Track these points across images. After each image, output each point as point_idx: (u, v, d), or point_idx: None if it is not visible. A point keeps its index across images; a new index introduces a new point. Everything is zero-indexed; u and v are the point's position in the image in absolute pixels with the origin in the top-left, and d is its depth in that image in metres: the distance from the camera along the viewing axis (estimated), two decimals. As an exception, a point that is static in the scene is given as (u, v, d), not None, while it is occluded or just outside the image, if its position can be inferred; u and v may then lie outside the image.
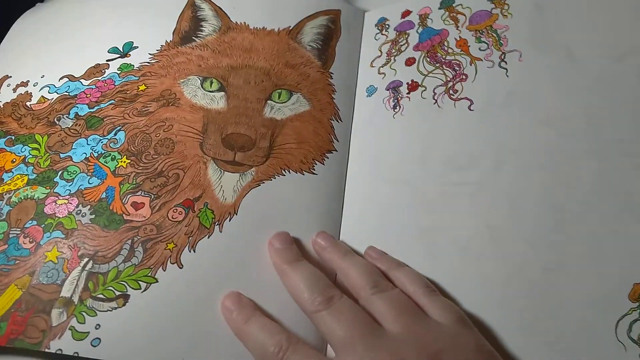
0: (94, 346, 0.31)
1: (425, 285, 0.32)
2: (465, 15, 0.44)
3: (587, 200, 0.33)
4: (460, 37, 0.43)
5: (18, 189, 0.38)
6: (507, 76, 0.39)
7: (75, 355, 0.31)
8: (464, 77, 0.41)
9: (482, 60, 0.41)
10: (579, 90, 0.37)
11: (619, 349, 0.29)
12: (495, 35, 0.42)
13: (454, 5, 0.45)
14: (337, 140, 0.41)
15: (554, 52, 0.39)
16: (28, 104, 0.44)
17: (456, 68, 0.42)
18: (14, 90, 0.45)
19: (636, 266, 0.30)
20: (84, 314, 0.32)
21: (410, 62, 0.44)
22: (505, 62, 0.40)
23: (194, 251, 0.34)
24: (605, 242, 0.31)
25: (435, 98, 0.41)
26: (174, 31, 0.46)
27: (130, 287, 0.33)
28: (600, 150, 0.34)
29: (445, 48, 0.43)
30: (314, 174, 0.39)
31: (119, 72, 0.44)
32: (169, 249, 0.34)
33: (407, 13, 0.47)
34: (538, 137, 0.36)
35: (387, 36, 0.46)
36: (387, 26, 0.47)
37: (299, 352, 0.29)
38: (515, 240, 0.33)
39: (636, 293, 0.30)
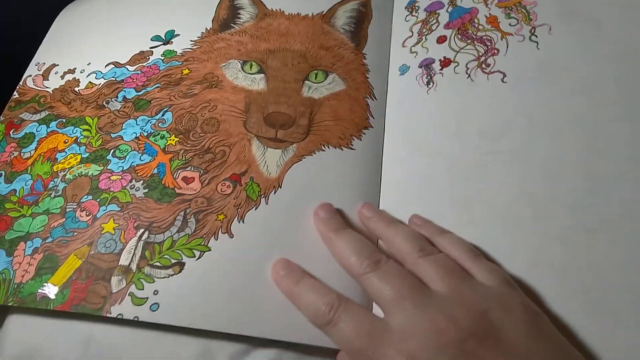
0: (153, 311, 0.34)
1: (470, 249, 0.33)
2: (494, -7, 0.45)
3: (620, 164, 0.34)
4: (490, 14, 0.44)
5: (72, 167, 0.41)
6: (538, 49, 0.40)
7: (135, 319, 0.34)
8: (495, 51, 0.42)
9: (512, 35, 0.42)
10: (609, 60, 0.37)
11: None
12: (524, 10, 0.43)
13: (482, -16, 0.46)
14: (373, 117, 0.42)
15: (583, 24, 0.40)
16: (76, 89, 0.46)
17: (487, 43, 0.43)
18: (62, 77, 0.48)
19: None
20: (142, 280, 0.35)
21: (441, 40, 0.45)
22: (536, 36, 0.41)
23: (243, 222, 0.36)
24: (638, 201, 0.32)
25: (468, 73, 0.42)
26: (213, 19, 0.48)
27: (185, 255, 0.35)
28: (632, 115, 0.35)
29: (476, 25, 0.44)
30: (352, 149, 0.40)
31: (162, 58, 0.46)
32: (220, 220, 0.36)
33: (436, -6, 0.48)
34: (570, 105, 0.37)
35: (417, 17, 0.48)
36: (416, 8, 0.48)
37: (350, 310, 0.30)
38: (553, 204, 0.34)
39: None
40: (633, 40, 0.37)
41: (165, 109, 0.42)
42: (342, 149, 0.40)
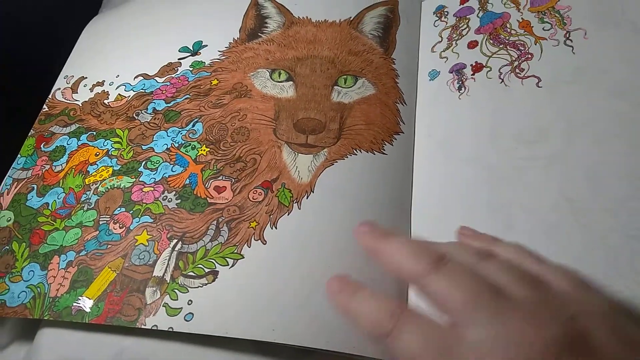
0: (187, 321, 0.33)
1: (531, 254, 0.29)
2: (525, -2, 0.45)
3: None
4: (522, 18, 0.44)
5: (104, 179, 0.41)
6: (574, 53, 0.40)
7: (170, 330, 0.33)
8: (529, 56, 0.41)
9: (546, 39, 0.41)
10: None
11: None
12: (558, 15, 0.42)
13: (513, -11, 0.45)
14: (403, 123, 0.42)
15: (618, 27, 0.39)
16: (106, 101, 0.46)
17: (520, 48, 0.42)
18: (91, 90, 0.48)
19: None
20: (176, 291, 0.34)
21: (472, 45, 0.44)
22: (571, 40, 0.41)
23: (276, 228, 0.36)
24: None
25: (502, 77, 0.41)
26: (240, 29, 0.48)
27: (218, 264, 0.35)
28: None
29: (508, 30, 0.44)
30: (384, 153, 0.40)
31: (191, 69, 0.46)
32: (252, 227, 0.36)
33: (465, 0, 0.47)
34: (610, 108, 0.36)
35: (446, 22, 0.47)
36: (445, 13, 0.48)
37: (414, 319, 0.25)
38: (595, 209, 0.33)
39: None
40: None
41: (195, 120, 0.42)
42: (374, 153, 0.40)
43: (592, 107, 0.37)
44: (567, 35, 0.41)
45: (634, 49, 0.38)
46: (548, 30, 0.42)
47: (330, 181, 0.38)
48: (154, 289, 0.35)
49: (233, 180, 0.38)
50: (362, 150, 0.40)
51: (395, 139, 0.41)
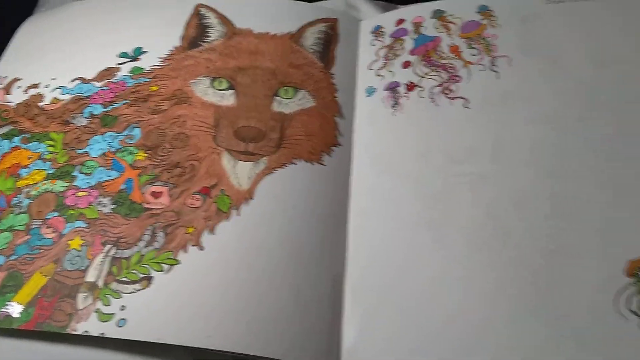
0: (120, 327, 0.33)
1: None
2: (456, 24, 0.47)
3: (583, 188, 0.36)
4: (453, 43, 0.46)
5: (37, 183, 0.40)
6: (499, 78, 0.43)
7: (102, 335, 0.33)
8: (458, 78, 0.44)
9: (474, 63, 0.44)
10: (567, 92, 0.40)
11: (621, 322, 0.31)
12: (485, 42, 0.45)
13: (445, 15, 0.48)
14: (342, 135, 0.43)
15: (541, 58, 0.42)
16: (40, 104, 0.45)
17: (450, 70, 0.45)
18: (25, 91, 0.47)
19: (628, 244, 0.33)
20: (109, 296, 0.34)
21: (406, 64, 0.47)
22: (496, 66, 0.43)
23: (214, 234, 0.36)
24: (600, 224, 0.34)
25: (433, 97, 0.44)
26: (181, 37, 0.48)
27: (153, 269, 0.35)
28: (593, 144, 0.37)
29: (439, 53, 0.46)
30: (322, 164, 0.41)
31: (130, 74, 0.46)
32: (189, 233, 0.36)
33: (401, 21, 0.50)
34: (534, 132, 0.39)
35: (383, 42, 0.49)
36: (382, 33, 0.50)
37: None
38: (517, 226, 0.36)
39: (631, 269, 0.32)
40: (588, 76, 0.40)
41: (133, 125, 0.42)
42: (313, 164, 0.41)
43: (516, 130, 0.40)
44: (493, 62, 0.44)
45: (555, 78, 0.41)
46: (475, 55, 0.45)
47: (269, 189, 0.39)
48: (86, 294, 0.34)
49: (171, 185, 0.38)
50: (301, 160, 0.41)
51: (334, 151, 0.42)
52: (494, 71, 0.43)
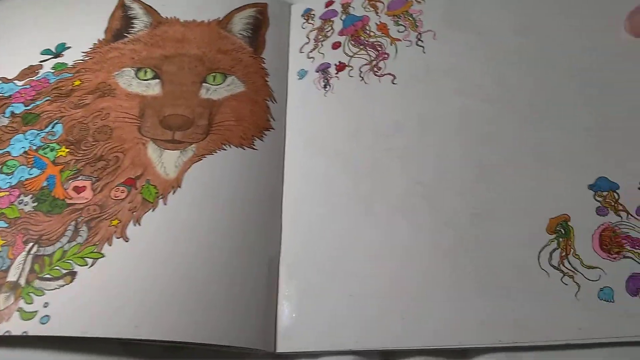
0: (43, 324, 0.32)
1: None
2: (383, 2, 0.48)
3: (505, 152, 0.37)
4: (380, 21, 0.47)
5: (-46, 185, 0.38)
6: (424, 53, 0.43)
7: (25, 334, 0.31)
8: (386, 56, 0.44)
9: (401, 40, 0.45)
10: (488, 62, 0.41)
11: (543, 276, 0.32)
12: (411, 18, 0.46)
13: (372, -6, 0.48)
14: (274, 119, 0.43)
15: (464, 30, 0.43)
16: (-42, 106, 0.43)
17: (378, 48, 0.45)
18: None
19: (549, 204, 0.34)
20: (31, 294, 0.33)
21: (336, 45, 0.46)
22: (422, 41, 0.44)
23: (139, 224, 0.35)
24: (521, 186, 0.35)
25: (362, 76, 0.44)
26: (105, 30, 0.47)
27: (76, 264, 0.34)
28: (513, 110, 0.38)
29: (368, 32, 0.46)
30: (254, 149, 0.40)
31: (53, 71, 0.44)
32: (114, 225, 0.35)
33: (330, 3, 0.50)
34: (456, 103, 0.40)
35: (313, 24, 0.49)
36: (312, 16, 0.49)
37: None
38: (443, 193, 0.36)
39: (552, 226, 0.33)
40: (509, 45, 0.41)
41: (55, 122, 0.41)
42: (245, 149, 0.40)
43: (441, 101, 0.41)
44: (419, 37, 0.44)
45: (476, 50, 0.42)
46: (402, 32, 0.45)
47: (198, 176, 0.38)
48: (8, 294, 0.33)
49: (94, 179, 0.37)
50: (231, 146, 0.40)
51: (266, 135, 0.41)
52: (420, 46, 0.44)
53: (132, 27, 0.46)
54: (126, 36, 0.46)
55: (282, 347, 0.34)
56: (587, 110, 0.37)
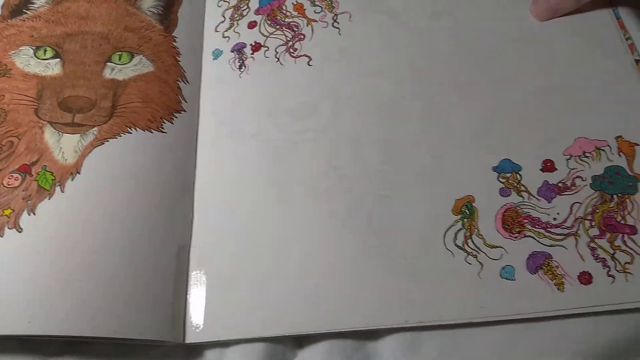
0: None
1: None
2: (300, -19, 0.47)
3: (413, 134, 0.37)
4: (297, 1, 0.46)
5: None
6: (340, 34, 0.43)
7: None
8: (302, 37, 0.44)
9: (317, 21, 0.44)
10: (402, 45, 0.41)
11: (448, 256, 0.33)
12: (328, -1, 0.45)
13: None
14: (186, 101, 0.41)
15: (379, 12, 0.43)
16: None
17: (294, 29, 0.44)
18: None
19: (456, 185, 0.35)
20: None
21: (252, 25, 0.45)
22: (338, 23, 0.44)
23: (34, 214, 0.33)
24: (429, 167, 0.36)
25: (278, 57, 0.43)
26: (2, 5, 0.43)
27: (-37, 258, 0.31)
28: (423, 92, 0.39)
29: (284, 12, 0.45)
30: (162, 132, 0.38)
31: (-59, 49, 0.41)
32: (6, 215, 0.33)
33: (247, -20, 0.48)
34: (369, 85, 0.40)
35: (229, 3, 0.47)
36: (228, -7, 0.48)
37: None
38: (355, 175, 0.36)
39: (457, 207, 0.34)
40: (422, 28, 0.41)
41: (-57, 104, 0.37)
42: (152, 132, 0.38)
43: (355, 83, 0.40)
44: (335, 18, 0.44)
45: (391, 33, 0.42)
46: (319, 13, 0.44)
47: (99, 161, 0.36)
48: None
49: (-15, 166, 0.35)
50: (137, 129, 0.38)
51: (176, 117, 0.40)
52: (336, 28, 0.43)
53: (32, 3, 0.43)
54: (25, 12, 0.43)
55: (191, 337, 0.33)
56: (492, 93, 0.37)
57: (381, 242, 0.33)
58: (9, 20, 0.42)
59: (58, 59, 0.39)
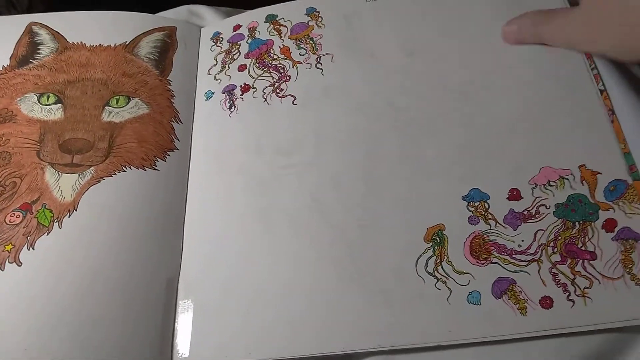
0: None
1: None
2: (287, 27, 0.50)
3: (390, 168, 0.39)
4: (283, 45, 0.49)
5: None
6: (323, 74, 0.46)
7: None
8: (287, 77, 0.46)
9: (302, 63, 0.47)
10: (380, 81, 0.44)
11: (420, 283, 0.34)
12: (312, 42, 0.48)
13: (277, 19, 0.50)
14: (178, 140, 0.44)
15: (359, 52, 0.46)
16: None
17: (281, 71, 0.47)
18: None
19: (428, 214, 0.37)
20: None
21: (242, 68, 0.48)
22: (321, 64, 0.46)
23: (33, 249, 0.36)
24: (404, 198, 0.38)
25: (265, 97, 0.46)
26: (11, 56, 0.47)
27: (-33, 290, 0.34)
28: (399, 127, 0.41)
29: (272, 55, 0.48)
30: (155, 169, 0.41)
31: (-46, 98, 0.44)
32: (7, 250, 0.35)
33: (237, 27, 0.51)
34: (350, 121, 0.42)
35: (221, 47, 0.50)
36: (221, 39, 0.51)
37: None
38: (335, 207, 0.38)
39: (429, 235, 0.36)
40: (398, 65, 0.44)
41: (-46, 148, 0.41)
42: (146, 170, 0.41)
43: (337, 121, 0.43)
44: (318, 60, 0.46)
45: (370, 71, 0.45)
46: (303, 55, 0.47)
47: (95, 199, 0.38)
48: None
49: (-11, 205, 0.37)
50: (132, 167, 0.41)
51: (169, 155, 0.43)
52: (319, 68, 0.46)
53: (38, 53, 0.47)
54: (32, 62, 0.46)
55: (178, 363, 0.35)
56: (461, 126, 0.39)
57: (358, 271, 0.35)
58: (16, 70, 0.46)
59: (60, 104, 0.43)
